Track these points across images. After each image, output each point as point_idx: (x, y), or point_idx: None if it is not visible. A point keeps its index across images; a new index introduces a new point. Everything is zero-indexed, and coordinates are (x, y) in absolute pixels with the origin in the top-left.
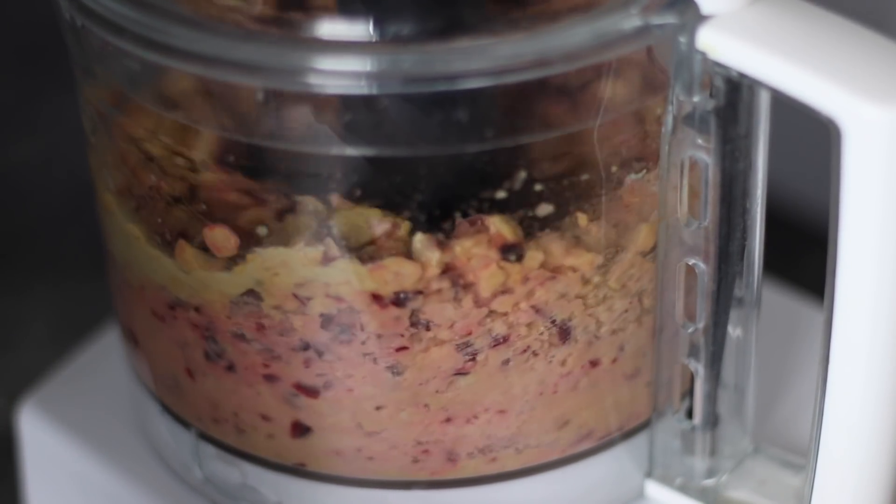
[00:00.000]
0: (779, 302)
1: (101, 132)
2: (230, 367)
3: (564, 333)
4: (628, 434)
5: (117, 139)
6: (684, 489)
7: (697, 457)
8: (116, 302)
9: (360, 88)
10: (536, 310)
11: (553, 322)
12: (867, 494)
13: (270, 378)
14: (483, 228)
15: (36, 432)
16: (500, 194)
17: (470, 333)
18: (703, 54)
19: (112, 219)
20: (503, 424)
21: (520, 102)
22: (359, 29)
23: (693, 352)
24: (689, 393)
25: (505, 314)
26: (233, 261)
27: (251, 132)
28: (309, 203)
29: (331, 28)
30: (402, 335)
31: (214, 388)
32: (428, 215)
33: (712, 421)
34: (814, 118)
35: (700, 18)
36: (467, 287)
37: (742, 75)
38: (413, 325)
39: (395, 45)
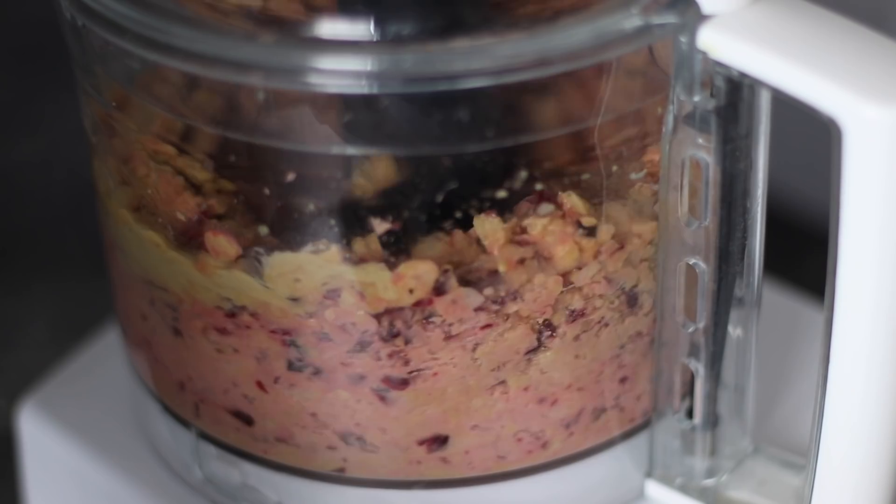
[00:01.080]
0: (779, 302)
1: (102, 132)
2: (317, 373)
3: (632, 300)
4: (628, 434)
5: (118, 139)
6: (684, 489)
7: (697, 457)
8: (131, 317)
9: (361, 88)
10: (608, 280)
11: (622, 290)
12: (867, 494)
13: (358, 378)
14: (543, 204)
15: (36, 432)
16: (501, 194)
17: (545, 312)
18: (704, 54)
19: (121, 224)
20: (582, 401)
21: (520, 102)
22: (359, 28)
23: (693, 352)
24: (690, 393)
25: (580, 288)
26: (236, 263)
27: (251, 132)
28: (310, 202)
29: (331, 28)
30: (485, 309)
31: (300, 399)
32: (428, 215)
33: (712, 421)
34: (814, 118)
35: (701, 18)
36: (547, 261)
37: (743, 75)
38: (485, 306)
39: (395, 45)
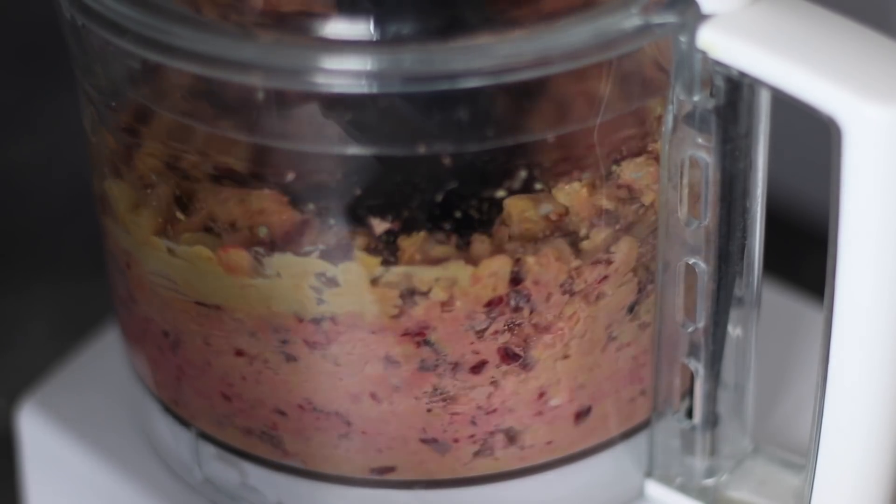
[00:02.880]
0: (779, 302)
1: (102, 132)
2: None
3: None
4: (628, 434)
5: (118, 139)
6: (684, 489)
7: (697, 456)
8: (213, 363)
9: (361, 88)
10: None
11: None
12: (867, 494)
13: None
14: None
15: (36, 432)
16: (501, 193)
17: (643, 258)
18: (704, 53)
19: (156, 250)
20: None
21: (520, 101)
22: (360, 28)
23: (693, 351)
24: (689, 393)
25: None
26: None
27: (252, 132)
28: (315, 206)
29: (332, 27)
30: (600, 262)
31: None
32: (429, 215)
33: (712, 421)
34: (814, 118)
35: (700, 17)
36: (644, 205)
37: (742, 74)
38: (599, 261)
39: (395, 45)
